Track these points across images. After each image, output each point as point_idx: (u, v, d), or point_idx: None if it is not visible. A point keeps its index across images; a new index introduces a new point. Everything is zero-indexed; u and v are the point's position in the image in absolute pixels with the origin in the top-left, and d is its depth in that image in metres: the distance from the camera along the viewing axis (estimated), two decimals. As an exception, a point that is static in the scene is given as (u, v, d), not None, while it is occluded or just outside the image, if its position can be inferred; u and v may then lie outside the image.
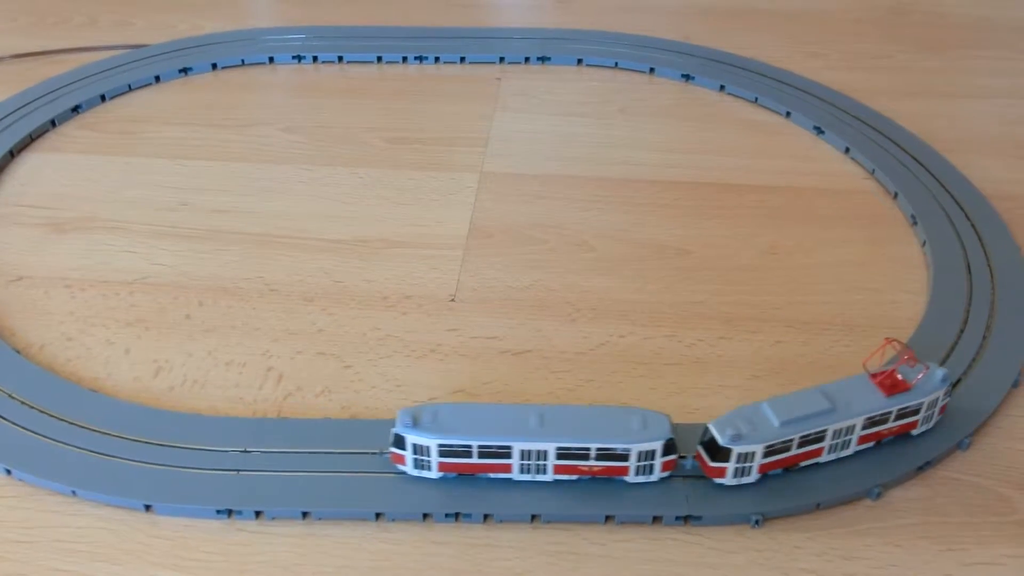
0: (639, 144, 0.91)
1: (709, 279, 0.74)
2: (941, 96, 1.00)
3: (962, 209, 0.80)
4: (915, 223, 0.79)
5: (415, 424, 0.54)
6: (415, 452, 0.55)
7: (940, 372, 0.57)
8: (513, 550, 0.54)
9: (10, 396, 0.62)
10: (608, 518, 0.55)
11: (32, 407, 0.61)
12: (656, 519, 0.55)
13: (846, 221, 0.80)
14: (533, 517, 0.55)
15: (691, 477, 0.56)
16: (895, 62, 1.07)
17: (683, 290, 0.73)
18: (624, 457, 0.54)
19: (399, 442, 0.55)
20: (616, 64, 1.04)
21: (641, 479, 0.56)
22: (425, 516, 0.55)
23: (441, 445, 0.54)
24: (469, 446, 0.54)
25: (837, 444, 0.56)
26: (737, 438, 0.54)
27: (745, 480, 0.55)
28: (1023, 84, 1.02)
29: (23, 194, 0.83)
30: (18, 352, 0.66)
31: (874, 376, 0.58)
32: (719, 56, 1.05)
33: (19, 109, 0.93)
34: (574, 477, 0.56)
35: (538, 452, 0.54)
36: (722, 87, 1.00)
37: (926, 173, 0.84)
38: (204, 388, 0.64)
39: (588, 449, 0.54)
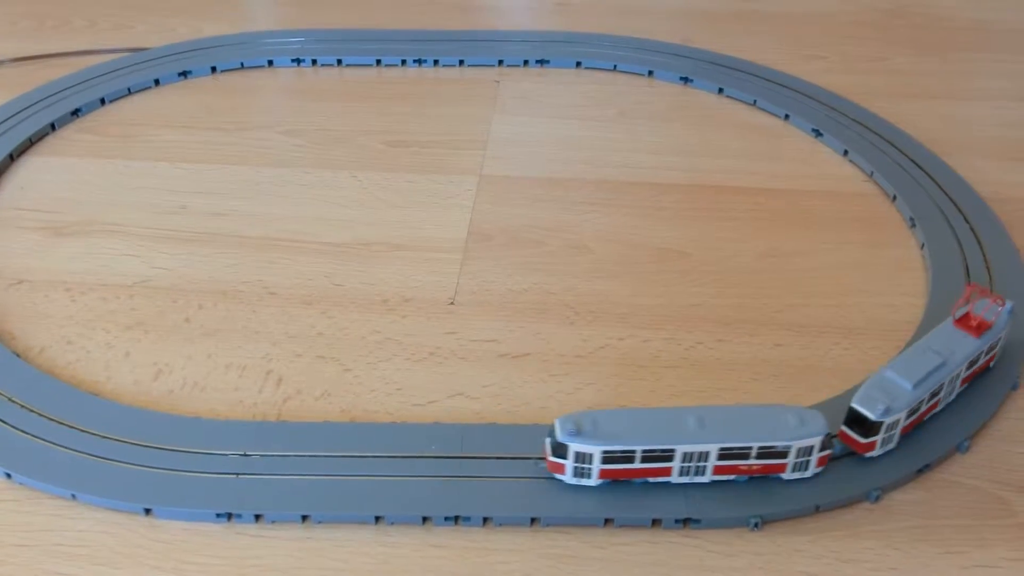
0: (638, 147, 0.91)
1: (708, 282, 0.74)
2: (940, 98, 1.00)
3: (961, 212, 0.80)
4: (914, 226, 0.79)
5: (579, 433, 0.54)
6: (576, 460, 0.55)
7: (1009, 305, 0.59)
8: (512, 553, 0.54)
9: (10, 400, 0.62)
10: (607, 521, 0.55)
11: (32, 411, 0.61)
12: (655, 522, 0.55)
13: (845, 224, 0.80)
14: (533, 520, 0.55)
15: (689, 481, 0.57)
16: (893, 65, 1.07)
17: (682, 293, 0.73)
18: (783, 454, 0.55)
19: (560, 451, 0.54)
20: (615, 67, 1.04)
21: (796, 475, 0.57)
22: (424, 519, 0.55)
23: (605, 452, 0.54)
24: (633, 452, 0.54)
25: (948, 393, 0.59)
26: (887, 411, 0.55)
27: (888, 448, 0.57)
28: (1022, 86, 1.02)
29: (23, 198, 0.83)
30: (18, 355, 0.66)
31: (958, 322, 0.61)
32: (718, 59, 1.05)
33: (19, 113, 0.93)
34: (731, 477, 0.56)
35: (700, 454, 0.55)
36: (721, 90, 1.00)
37: (925, 176, 0.84)
38: (204, 391, 0.64)
39: (750, 448, 0.55)
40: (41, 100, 0.96)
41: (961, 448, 0.60)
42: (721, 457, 0.55)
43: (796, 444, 0.55)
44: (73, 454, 0.58)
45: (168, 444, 0.59)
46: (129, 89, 0.99)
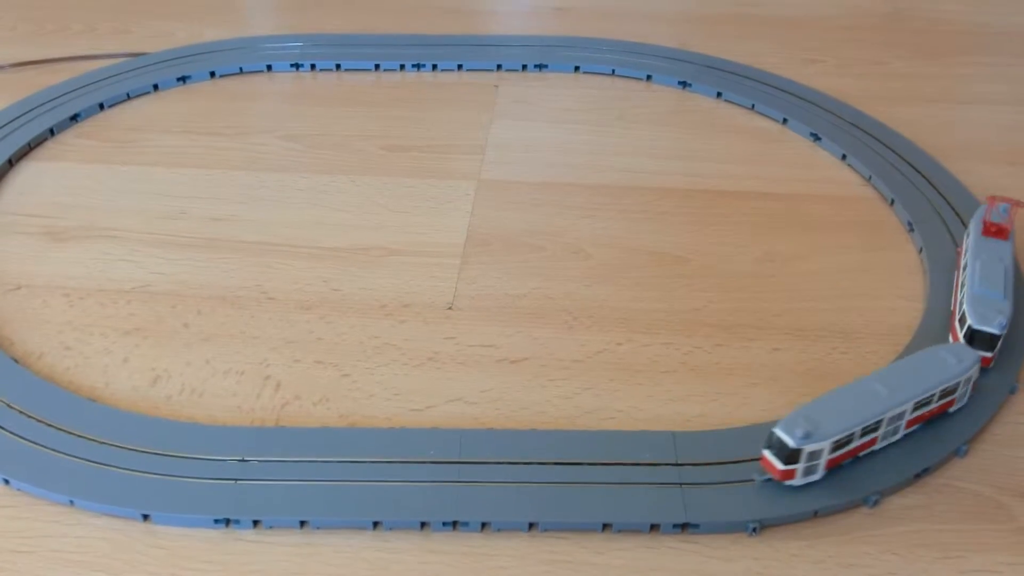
0: (636, 151, 0.91)
1: (706, 286, 0.74)
2: (938, 102, 1.00)
3: (959, 216, 0.80)
4: (912, 230, 0.79)
5: (809, 435, 0.54)
6: (808, 460, 0.55)
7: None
8: (511, 559, 0.54)
9: (8, 406, 0.62)
10: (605, 526, 0.55)
11: (30, 416, 0.61)
12: (654, 527, 0.55)
13: (843, 228, 0.80)
14: (531, 526, 0.55)
15: (688, 484, 0.56)
16: (892, 68, 1.07)
17: (680, 298, 0.73)
18: (953, 391, 0.59)
19: (793, 458, 0.55)
20: (613, 71, 1.04)
21: (959, 405, 0.61)
22: (423, 525, 0.55)
23: (834, 442, 0.55)
24: (852, 434, 0.56)
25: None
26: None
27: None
28: (1020, 90, 1.02)
29: (21, 203, 0.83)
30: (16, 361, 0.66)
31: (986, 231, 0.70)
32: (716, 63, 1.05)
33: (18, 118, 0.93)
34: (915, 427, 0.59)
35: (897, 415, 0.57)
36: (719, 94, 1.00)
37: (923, 180, 0.84)
38: (202, 397, 0.64)
39: (933, 394, 0.58)
40: (40, 105, 0.96)
41: (960, 452, 0.60)
42: (913, 411, 0.58)
43: (963, 378, 0.59)
44: (71, 460, 0.58)
45: (166, 450, 0.59)
46: (128, 94, 1.00)
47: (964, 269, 0.68)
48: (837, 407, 0.56)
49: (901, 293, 0.73)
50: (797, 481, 0.56)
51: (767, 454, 0.56)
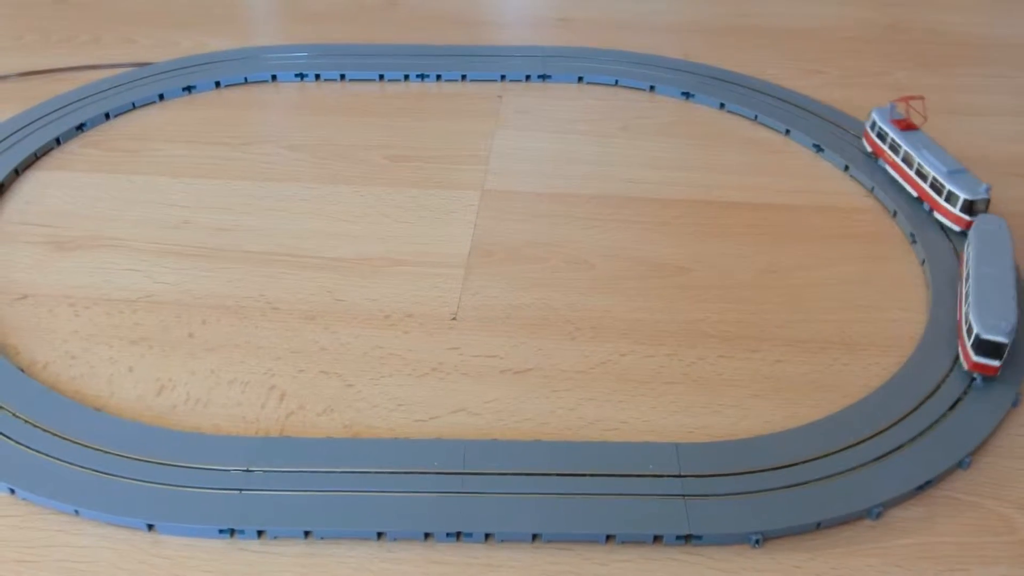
0: (640, 162, 0.91)
1: (709, 297, 0.74)
2: (940, 113, 1.00)
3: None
4: (914, 241, 0.79)
5: (1011, 330, 0.63)
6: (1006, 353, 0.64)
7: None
8: (514, 570, 0.54)
9: (14, 415, 0.62)
10: (609, 538, 0.55)
11: (36, 426, 0.61)
12: (657, 538, 0.55)
13: (846, 239, 0.81)
14: (534, 536, 0.55)
15: (691, 496, 0.57)
16: (894, 79, 1.08)
17: (683, 308, 0.73)
18: None
19: (1001, 351, 0.63)
20: (616, 82, 1.05)
21: None
22: (426, 535, 0.55)
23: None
24: None
25: None
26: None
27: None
28: (1021, 102, 1.03)
29: (28, 212, 0.84)
30: (22, 370, 0.66)
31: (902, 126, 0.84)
32: (719, 74, 1.05)
33: (24, 127, 0.94)
34: None
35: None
36: (722, 105, 1.00)
37: (925, 191, 0.85)
38: (207, 407, 0.64)
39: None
40: (46, 115, 0.96)
41: (962, 465, 0.60)
42: None
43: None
44: (76, 469, 0.58)
45: (171, 460, 0.59)
46: (134, 104, 1.00)
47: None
48: (991, 303, 0.65)
49: (903, 305, 0.74)
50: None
51: (981, 360, 0.63)
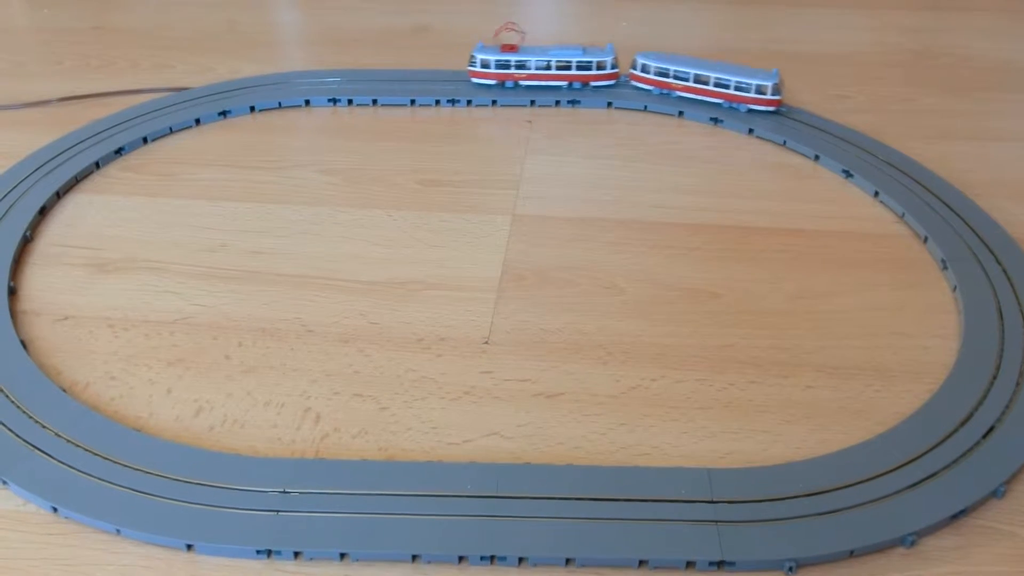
0: (669, 187, 0.92)
1: (739, 323, 0.74)
2: (970, 139, 1.00)
3: (992, 253, 0.80)
4: (945, 267, 0.79)
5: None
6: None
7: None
8: (548, 594, 0.55)
9: (56, 434, 0.63)
10: (642, 563, 0.56)
11: (78, 445, 0.62)
12: (690, 564, 0.56)
13: (876, 265, 0.81)
14: (568, 561, 0.56)
15: (724, 522, 0.57)
16: (923, 105, 1.08)
17: (714, 334, 0.73)
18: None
19: None
20: (645, 107, 1.06)
21: None
22: (460, 559, 0.56)
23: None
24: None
25: None
26: None
27: None
28: (1052, 127, 1.03)
29: (68, 235, 0.86)
30: (64, 391, 0.68)
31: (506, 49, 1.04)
32: (747, 99, 1.06)
33: (65, 151, 0.96)
34: None
35: None
36: (751, 130, 1.01)
37: (956, 217, 0.85)
38: (244, 428, 0.65)
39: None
40: (86, 139, 0.99)
41: (997, 493, 0.60)
42: None
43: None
44: (118, 489, 0.59)
45: (209, 480, 0.60)
46: (171, 128, 1.02)
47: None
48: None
49: (935, 332, 0.73)
50: None
51: None
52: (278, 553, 0.56)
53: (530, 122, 1.04)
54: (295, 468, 0.61)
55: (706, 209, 0.88)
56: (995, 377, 0.68)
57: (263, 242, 0.84)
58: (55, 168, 0.93)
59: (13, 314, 0.75)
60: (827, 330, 0.74)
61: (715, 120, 1.03)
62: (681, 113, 1.05)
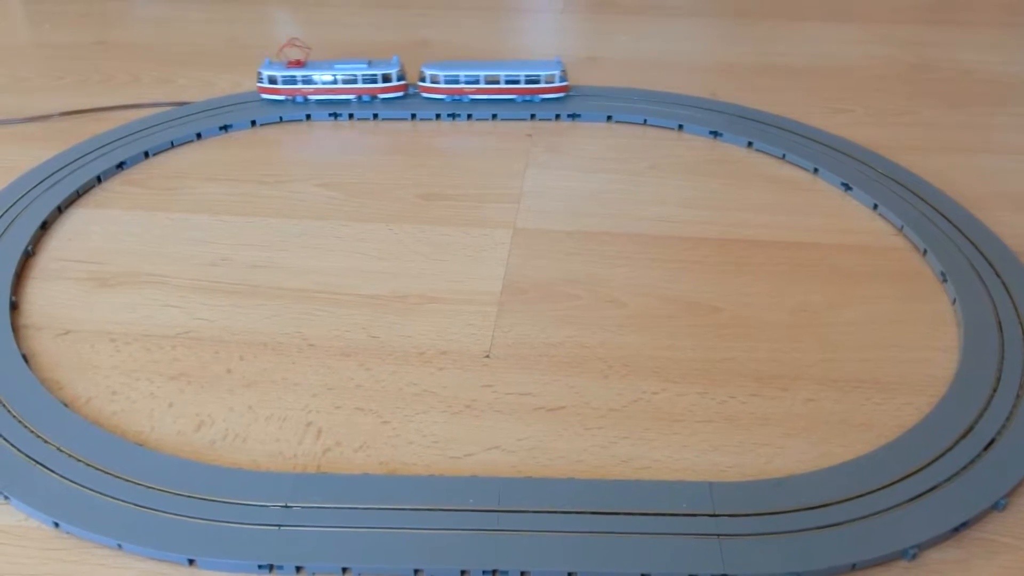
0: (669, 200, 0.92)
1: (740, 336, 0.75)
2: (968, 152, 1.01)
3: (992, 266, 0.80)
4: (945, 280, 0.80)
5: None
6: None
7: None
8: (550, 608, 0.55)
9: (58, 449, 0.63)
10: (644, 577, 0.56)
11: (79, 460, 0.62)
12: (691, 578, 0.56)
13: (875, 278, 0.81)
14: (570, 574, 0.56)
15: (725, 536, 0.57)
16: (921, 118, 1.08)
17: (714, 347, 0.74)
18: None
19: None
20: (645, 121, 1.06)
21: None
22: (463, 573, 0.56)
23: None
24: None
25: None
26: None
27: None
28: (1050, 140, 1.03)
29: (70, 249, 0.86)
30: (65, 405, 0.68)
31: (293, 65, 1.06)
32: (747, 112, 1.06)
33: (66, 165, 0.97)
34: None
35: None
36: (750, 143, 1.01)
37: (955, 230, 0.85)
38: (245, 442, 0.65)
39: None
40: (87, 153, 0.99)
41: (999, 506, 0.60)
42: None
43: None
44: (119, 504, 0.59)
45: (211, 495, 0.60)
46: (172, 142, 1.03)
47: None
48: None
49: (935, 344, 0.74)
50: None
51: None
52: (280, 568, 0.56)
53: (530, 136, 1.04)
54: (297, 482, 0.61)
55: (706, 222, 0.89)
56: (995, 389, 0.68)
57: (264, 256, 0.85)
58: (57, 182, 0.94)
59: (14, 328, 0.75)
60: (827, 343, 0.74)
61: (715, 133, 1.03)
62: (681, 127, 1.05)
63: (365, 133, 1.05)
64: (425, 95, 1.09)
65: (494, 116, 1.07)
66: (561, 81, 1.07)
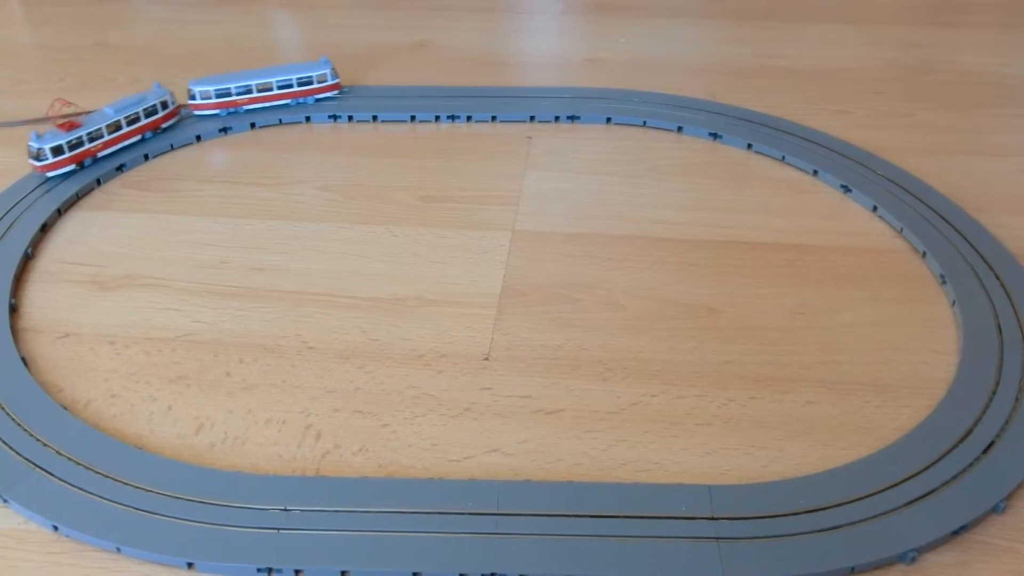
0: (668, 202, 0.92)
1: (740, 338, 0.75)
2: (968, 154, 1.01)
3: (991, 268, 0.80)
4: (944, 282, 0.80)
5: None
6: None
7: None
8: (549, 611, 0.54)
9: (57, 452, 0.63)
10: (643, 580, 0.56)
11: (79, 463, 0.63)
12: (691, 582, 0.56)
13: (875, 280, 0.81)
14: (568, 578, 0.56)
15: (724, 539, 0.57)
16: (921, 120, 1.08)
17: (713, 350, 0.73)
18: None
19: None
20: (645, 123, 1.06)
21: None
22: (461, 576, 0.56)
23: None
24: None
25: None
26: None
27: None
28: (1049, 142, 1.03)
29: (69, 252, 0.86)
30: (65, 408, 0.68)
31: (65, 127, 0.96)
32: (746, 115, 1.06)
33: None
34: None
35: None
36: (749, 145, 1.01)
37: (954, 232, 0.85)
38: (244, 445, 0.65)
39: None
40: (87, 156, 0.99)
41: (998, 509, 0.60)
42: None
43: None
44: (118, 507, 0.59)
45: (210, 498, 0.60)
46: (172, 145, 1.03)
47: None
48: None
49: (934, 346, 0.74)
50: None
51: None
52: (279, 571, 0.56)
53: (530, 138, 1.04)
54: (296, 485, 0.61)
55: (705, 224, 0.89)
56: (994, 392, 0.68)
57: (264, 259, 0.85)
58: (56, 185, 0.94)
59: (14, 331, 0.75)
60: (827, 346, 0.74)
61: (714, 135, 1.03)
62: (680, 129, 1.05)
63: (364, 135, 1.05)
64: (198, 113, 1.07)
65: (493, 118, 1.07)
66: (333, 79, 1.09)
